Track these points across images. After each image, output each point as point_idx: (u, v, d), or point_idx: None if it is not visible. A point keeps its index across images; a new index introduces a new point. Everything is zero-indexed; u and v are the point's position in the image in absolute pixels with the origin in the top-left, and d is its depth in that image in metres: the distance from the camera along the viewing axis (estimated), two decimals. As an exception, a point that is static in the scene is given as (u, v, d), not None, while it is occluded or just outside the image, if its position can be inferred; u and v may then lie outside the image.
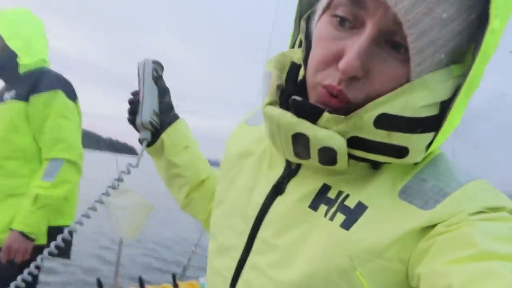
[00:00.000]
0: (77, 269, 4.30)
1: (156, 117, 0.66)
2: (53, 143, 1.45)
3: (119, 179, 0.69)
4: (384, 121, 0.37)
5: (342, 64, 0.36)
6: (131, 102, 0.67)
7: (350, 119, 0.38)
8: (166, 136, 0.66)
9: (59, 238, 0.69)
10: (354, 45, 0.36)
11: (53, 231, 1.51)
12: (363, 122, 0.37)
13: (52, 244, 0.68)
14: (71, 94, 1.55)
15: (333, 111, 0.39)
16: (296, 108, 0.40)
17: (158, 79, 0.68)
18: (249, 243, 0.47)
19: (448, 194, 0.38)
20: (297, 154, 0.42)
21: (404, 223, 0.38)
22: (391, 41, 0.36)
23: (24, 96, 1.45)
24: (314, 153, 0.40)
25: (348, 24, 0.38)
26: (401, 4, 0.33)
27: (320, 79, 0.40)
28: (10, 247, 1.37)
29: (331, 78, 0.38)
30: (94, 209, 0.71)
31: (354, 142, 0.39)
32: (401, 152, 0.39)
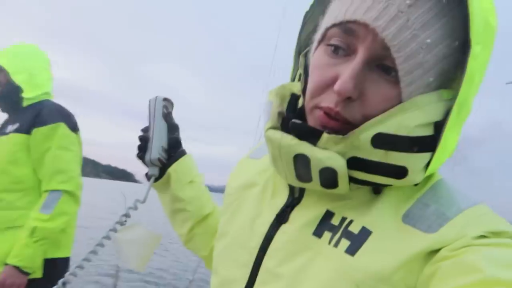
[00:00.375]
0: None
1: (164, 153, 0.68)
2: (52, 175, 1.45)
3: (127, 215, 0.70)
4: (381, 141, 0.38)
5: (337, 86, 0.38)
6: (141, 139, 0.69)
7: (347, 138, 0.39)
8: (173, 170, 0.68)
9: (67, 275, 0.70)
10: (348, 69, 0.39)
11: (49, 264, 1.48)
12: (360, 142, 0.39)
13: (67, 274, 0.70)
14: (73, 126, 1.57)
15: (332, 132, 0.40)
16: (296, 131, 0.42)
17: (167, 116, 0.71)
18: (253, 275, 0.47)
19: (450, 218, 0.39)
20: (299, 177, 0.43)
21: (409, 247, 0.38)
22: (382, 65, 0.39)
23: (26, 129, 1.47)
24: (315, 174, 0.41)
25: (342, 52, 0.41)
26: (388, 30, 0.37)
27: (317, 103, 0.42)
28: (4, 282, 1.34)
29: (328, 101, 0.40)
30: (101, 245, 0.72)
31: (354, 164, 0.40)
32: (400, 172, 0.39)
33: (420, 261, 0.38)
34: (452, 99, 0.39)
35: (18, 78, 1.51)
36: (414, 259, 0.37)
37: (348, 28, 0.39)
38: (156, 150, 0.67)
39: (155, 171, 0.68)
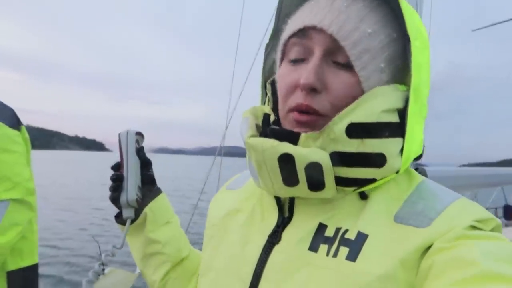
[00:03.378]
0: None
1: (140, 192, 0.64)
2: None
3: (104, 264, 0.64)
4: (354, 130, 0.42)
5: (301, 80, 0.44)
6: (114, 179, 0.64)
7: (323, 132, 0.43)
8: (149, 210, 0.65)
9: None
10: (308, 65, 0.45)
11: (14, 275, 1.36)
12: (336, 134, 0.42)
13: None
14: (14, 122, 1.35)
15: (309, 130, 0.44)
16: (275, 136, 0.45)
17: (140, 151, 0.66)
18: None
19: (440, 211, 0.42)
20: (285, 180, 0.44)
21: (406, 244, 0.40)
22: (337, 62, 0.45)
23: None
24: (301, 174, 0.43)
25: (301, 61, 0.47)
26: (333, 26, 0.44)
27: (288, 106, 0.46)
28: None
29: (296, 99, 0.45)
30: None
31: (336, 160, 0.43)
32: (379, 160, 0.43)
33: (418, 257, 0.39)
34: (407, 90, 0.45)
35: None
36: (412, 256, 0.39)
37: (303, 34, 0.46)
38: (133, 190, 0.62)
39: (131, 213, 0.63)
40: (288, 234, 0.47)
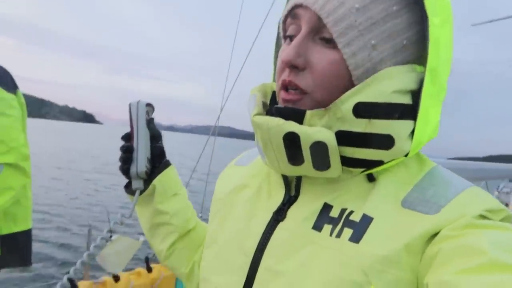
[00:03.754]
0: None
1: (149, 164, 0.65)
2: None
3: (112, 231, 0.66)
4: (362, 109, 0.41)
5: (281, 57, 0.44)
6: (125, 150, 0.64)
7: (329, 110, 0.42)
8: (158, 182, 0.65)
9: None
10: (292, 43, 0.44)
11: (7, 239, 1.37)
12: (343, 112, 0.41)
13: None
14: (9, 86, 1.33)
15: (315, 107, 0.43)
16: (281, 114, 0.44)
17: (150, 123, 0.66)
18: (250, 277, 0.46)
19: (450, 199, 0.40)
20: (291, 159, 0.44)
21: (412, 230, 0.39)
22: (323, 38, 0.43)
23: None
24: (306, 153, 0.42)
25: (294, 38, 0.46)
26: (317, 4, 0.43)
27: (279, 84, 0.46)
28: None
29: (283, 76, 0.45)
30: (87, 263, 0.70)
31: (342, 139, 0.42)
32: (386, 142, 0.41)
33: (423, 243, 0.39)
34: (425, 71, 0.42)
35: None
36: (417, 241, 0.39)
37: (293, 13, 0.46)
38: (143, 162, 0.63)
39: (140, 184, 0.64)
40: (293, 212, 0.47)
